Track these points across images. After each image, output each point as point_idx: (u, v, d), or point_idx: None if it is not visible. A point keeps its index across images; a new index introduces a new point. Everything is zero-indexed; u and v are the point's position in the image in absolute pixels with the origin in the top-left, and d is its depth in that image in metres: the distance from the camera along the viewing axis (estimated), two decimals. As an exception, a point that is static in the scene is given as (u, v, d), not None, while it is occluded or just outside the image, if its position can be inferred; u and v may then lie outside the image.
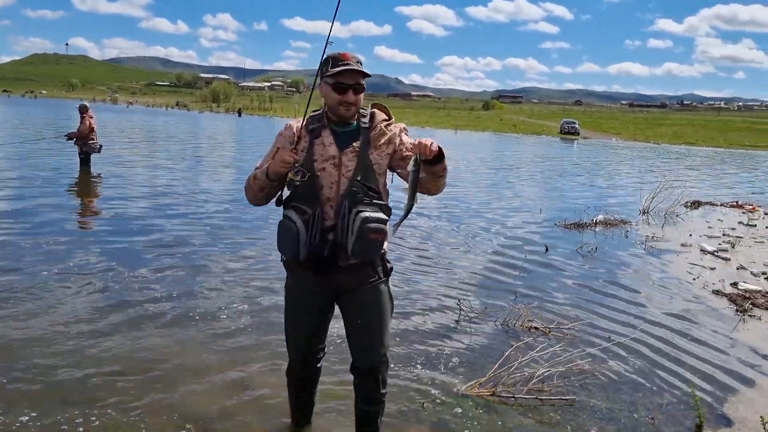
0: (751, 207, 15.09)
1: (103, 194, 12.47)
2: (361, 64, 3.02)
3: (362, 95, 3.06)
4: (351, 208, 2.95)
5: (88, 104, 15.66)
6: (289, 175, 2.90)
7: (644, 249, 9.79)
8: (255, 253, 7.98)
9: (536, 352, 4.91)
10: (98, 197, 12.31)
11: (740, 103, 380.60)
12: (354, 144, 3.03)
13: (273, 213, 10.50)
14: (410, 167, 2.84)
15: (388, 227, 3.03)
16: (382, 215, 3.00)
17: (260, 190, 3.08)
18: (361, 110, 3.14)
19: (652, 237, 10.76)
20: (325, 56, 3.06)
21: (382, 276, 3.20)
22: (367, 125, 3.11)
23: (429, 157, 2.79)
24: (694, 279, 7.95)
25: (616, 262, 8.72)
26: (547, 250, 9.15)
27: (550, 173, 23.54)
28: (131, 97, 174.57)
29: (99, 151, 15.73)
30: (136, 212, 10.37)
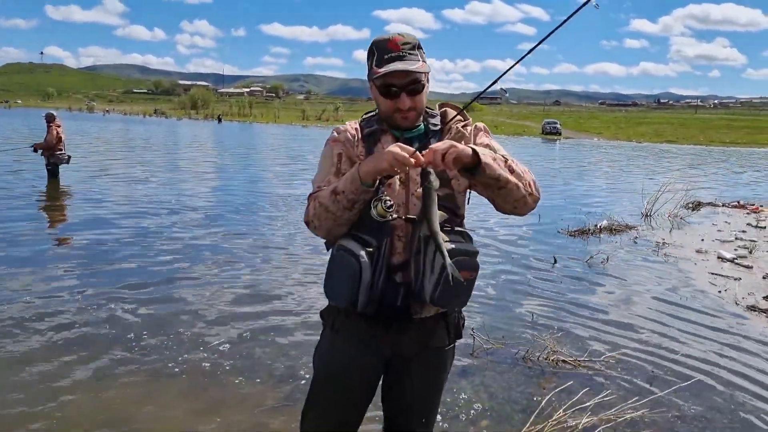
0: (754, 207, 14.52)
1: (72, 214, 11.36)
2: (418, 49, 2.20)
3: (425, 93, 2.26)
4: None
5: (55, 113, 14.69)
6: (378, 207, 2.11)
7: (658, 257, 9.09)
8: (245, 282, 7.13)
9: (571, 393, 4.15)
10: (65, 219, 11.28)
11: (716, 101, 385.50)
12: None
13: (260, 238, 9.73)
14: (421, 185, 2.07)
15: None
16: (469, 246, 2.20)
17: (346, 209, 2.14)
18: (428, 109, 2.38)
19: (663, 243, 10.08)
20: (371, 43, 2.25)
21: (453, 338, 2.41)
22: (438, 127, 2.34)
23: (440, 168, 2.02)
24: (720, 292, 7.24)
25: (633, 275, 7.99)
26: (555, 262, 8.41)
27: (539, 175, 22.82)
28: (108, 105, 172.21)
29: (68, 162, 14.79)
30: (110, 235, 9.36)
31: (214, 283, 6.78)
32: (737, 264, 8.66)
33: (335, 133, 2.39)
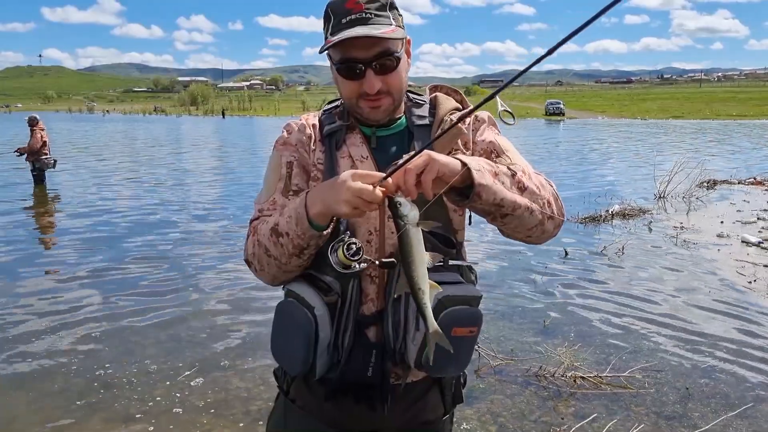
0: (772, 183, 13.81)
1: (58, 224, 10.74)
2: (390, 9, 1.55)
3: (402, 71, 1.60)
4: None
5: (38, 116, 14.08)
6: (339, 253, 1.46)
7: (677, 244, 8.41)
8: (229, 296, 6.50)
9: (594, 421, 3.52)
10: (49, 228, 10.69)
11: (720, 74, 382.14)
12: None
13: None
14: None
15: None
16: (469, 290, 1.55)
17: (293, 256, 1.52)
18: (413, 95, 1.74)
19: (681, 227, 9.41)
20: (326, 5, 1.57)
21: (450, 405, 1.76)
22: (425, 121, 1.68)
23: (414, 195, 1.32)
24: (750, 283, 6.57)
25: (652, 267, 7.31)
26: (566, 254, 7.75)
27: (543, 158, 22.14)
28: (108, 105, 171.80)
29: (54, 167, 14.25)
30: (96, 253, 8.76)
31: (197, 301, 6.15)
32: (764, 249, 7.98)
33: (285, 133, 1.74)
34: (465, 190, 1.40)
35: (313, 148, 1.68)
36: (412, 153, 1.34)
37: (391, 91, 1.57)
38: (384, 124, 1.65)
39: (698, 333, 5.21)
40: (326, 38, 1.55)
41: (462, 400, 1.79)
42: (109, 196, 13.21)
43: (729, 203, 11.67)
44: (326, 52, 1.59)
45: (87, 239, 8.77)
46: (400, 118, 1.69)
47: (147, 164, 20.63)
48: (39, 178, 14.05)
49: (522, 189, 1.48)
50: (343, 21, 1.50)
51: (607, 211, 10.44)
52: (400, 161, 1.32)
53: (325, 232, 1.47)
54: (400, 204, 1.31)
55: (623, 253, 7.80)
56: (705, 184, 13.68)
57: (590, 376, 4.27)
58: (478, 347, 4.61)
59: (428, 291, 1.37)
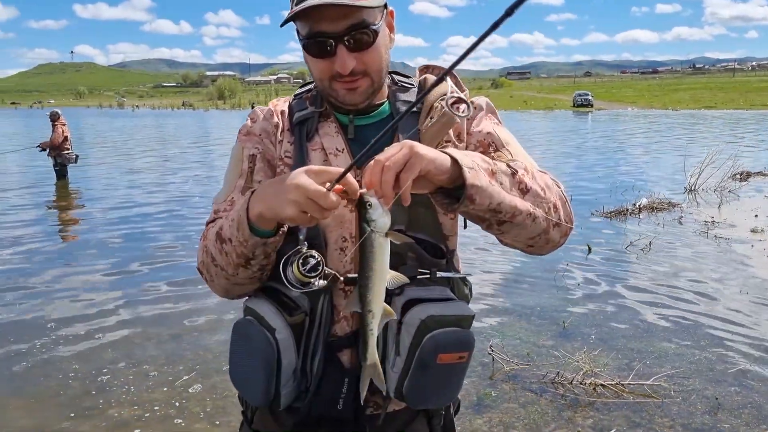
0: (809, 175, 13.24)
1: (76, 221, 10.71)
2: None
3: (382, 47, 1.35)
4: (391, 297, 1.29)
5: (59, 111, 14.10)
6: (294, 269, 1.24)
7: (708, 240, 8.03)
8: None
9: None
10: (69, 225, 10.65)
11: (754, 63, 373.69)
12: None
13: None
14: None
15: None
16: (459, 308, 1.31)
17: (239, 266, 1.29)
18: (399, 78, 1.52)
19: (712, 222, 9.00)
20: None
21: None
22: (411, 108, 1.40)
23: (390, 198, 1.06)
24: (787, 281, 6.20)
25: (681, 264, 6.96)
26: (590, 251, 7.42)
27: (570, 150, 21.67)
28: (138, 101, 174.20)
29: (75, 162, 14.30)
30: (108, 252, 8.68)
31: (203, 302, 5.98)
32: (801, 244, 7.57)
33: (249, 121, 1.51)
34: (455, 191, 1.15)
35: (281, 138, 1.45)
36: (395, 145, 1.10)
37: (368, 71, 1.33)
38: (363, 110, 1.42)
39: (730, 337, 4.87)
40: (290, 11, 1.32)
41: (453, 429, 1.53)
42: (130, 192, 13.17)
43: (764, 196, 11.19)
44: (296, 30, 1.37)
45: (103, 237, 8.70)
46: (382, 104, 1.45)
47: (172, 159, 20.67)
48: (61, 173, 14.12)
49: (524, 191, 1.24)
50: None
51: (635, 204, 10.05)
52: (380, 156, 1.08)
53: (270, 240, 1.23)
54: (369, 205, 1.07)
55: (650, 249, 7.45)
56: (738, 176, 13.16)
57: (611, 384, 3.98)
58: (491, 351, 4.35)
59: (379, 315, 1.15)
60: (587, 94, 74.26)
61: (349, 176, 1.08)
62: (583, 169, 16.08)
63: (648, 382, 3.99)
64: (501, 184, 1.19)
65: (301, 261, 1.23)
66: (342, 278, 1.31)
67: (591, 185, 12.98)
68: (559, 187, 1.34)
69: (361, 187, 1.10)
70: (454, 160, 1.12)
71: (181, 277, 6.53)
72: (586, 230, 8.56)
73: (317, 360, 1.33)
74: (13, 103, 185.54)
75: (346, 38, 1.27)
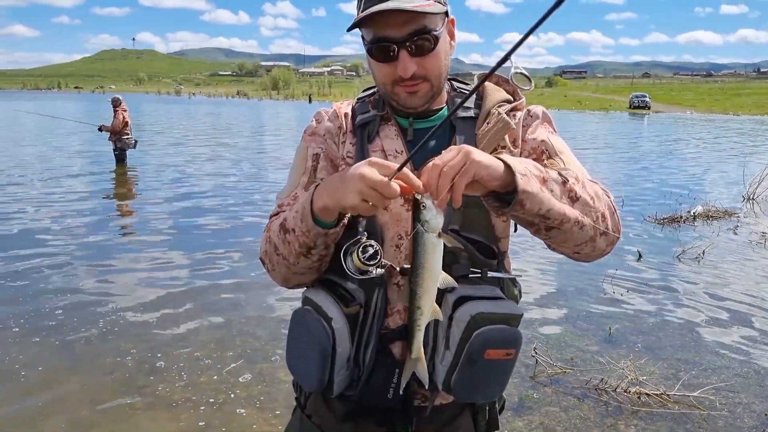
0: None
1: (133, 204, 11.10)
2: None
3: (442, 53, 1.41)
4: (443, 294, 1.34)
5: (120, 97, 14.59)
6: (354, 258, 1.31)
7: (765, 251, 7.80)
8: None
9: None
10: (127, 209, 11.02)
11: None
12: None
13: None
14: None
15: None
16: (508, 307, 1.35)
17: (300, 255, 1.37)
18: (457, 84, 1.58)
19: (770, 233, 8.73)
20: None
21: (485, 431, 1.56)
22: (470, 113, 1.48)
23: (444, 200, 1.12)
24: None
25: (735, 275, 6.79)
26: (640, 257, 7.31)
27: (624, 154, 21.23)
28: (195, 89, 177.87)
29: (134, 147, 14.75)
30: (165, 235, 8.95)
31: (255, 290, 6.14)
32: None
33: (313, 122, 1.59)
34: (506, 195, 1.20)
35: (343, 139, 1.53)
36: (451, 148, 1.16)
37: (428, 76, 1.39)
38: (423, 114, 1.48)
39: (782, 352, 4.76)
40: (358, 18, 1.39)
41: (498, 427, 1.58)
42: (186, 178, 13.53)
43: (827, 209, 10.78)
44: (361, 36, 1.44)
45: (157, 223, 8.98)
46: (441, 108, 1.51)
47: (228, 147, 21.09)
48: (120, 158, 14.60)
49: (574, 199, 1.27)
50: None
51: (689, 211, 9.82)
52: (438, 160, 1.13)
53: (332, 231, 1.30)
54: (424, 206, 1.13)
55: (703, 259, 7.29)
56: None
57: (656, 394, 3.94)
58: (535, 353, 4.35)
59: (428, 313, 1.21)
60: (644, 96, 72.45)
61: (410, 172, 1.15)
62: (637, 173, 15.75)
63: (694, 394, 3.94)
64: (551, 191, 1.23)
65: (360, 249, 1.30)
66: (398, 269, 1.37)
67: (644, 190, 12.73)
68: (608, 197, 1.37)
69: None
70: (508, 166, 1.17)
71: (233, 266, 6.72)
72: (637, 236, 8.43)
73: (370, 350, 1.40)
74: (76, 87, 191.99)
75: (408, 43, 1.34)
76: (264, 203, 10.48)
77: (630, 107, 70.09)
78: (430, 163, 1.13)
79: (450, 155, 1.13)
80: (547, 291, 6.03)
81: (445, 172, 1.10)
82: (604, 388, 4.03)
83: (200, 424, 3.60)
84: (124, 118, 14.10)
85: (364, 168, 1.16)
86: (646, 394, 3.95)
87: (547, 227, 1.27)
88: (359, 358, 1.41)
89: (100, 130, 14.17)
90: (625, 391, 3.98)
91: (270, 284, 6.03)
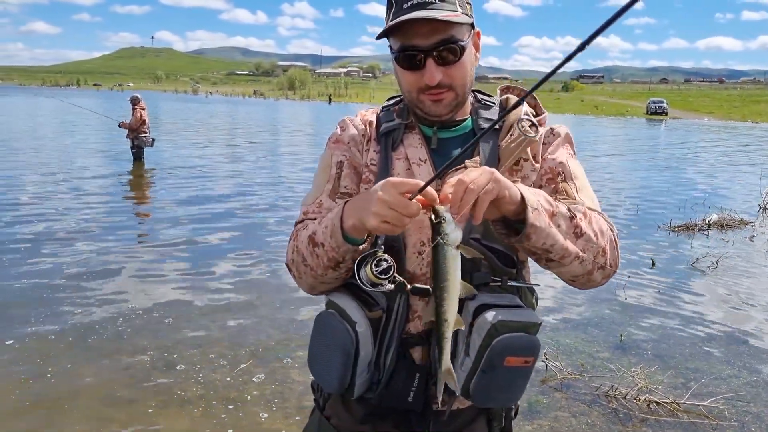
0: None
1: (150, 201, 11.27)
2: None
3: (468, 63, 1.45)
4: (463, 302, 1.37)
5: (139, 95, 14.78)
6: (367, 270, 1.34)
7: (780, 261, 7.76)
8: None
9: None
10: (143, 206, 11.15)
11: None
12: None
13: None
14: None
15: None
16: (528, 315, 1.39)
17: (329, 268, 1.41)
18: (481, 96, 1.61)
19: (786, 243, 8.68)
20: None
21: None
22: (494, 125, 1.51)
23: (464, 216, 1.17)
24: None
25: (749, 285, 6.76)
26: (653, 264, 7.29)
27: (640, 161, 21.12)
28: (212, 87, 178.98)
29: (152, 145, 14.92)
30: (182, 233, 9.05)
31: (269, 289, 6.20)
32: None
33: (338, 130, 1.63)
34: (515, 224, 1.27)
35: (367, 147, 1.57)
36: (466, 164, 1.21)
37: (453, 85, 1.43)
38: (447, 124, 1.52)
39: (794, 363, 4.75)
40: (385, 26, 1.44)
41: (510, 429, 1.62)
42: (204, 178, 13.64)
43: None
44: (388, 44, 1.48)
45: (173, 221, 9.07)
46: (465, 119, 1.54)
47: (245, 148, 21.23)
48: (137, 155, 14.78)
49: (578, 235, 1.33)
50: (405, 6, 1.38)
51: (704, 220, 9.77)
52: (464, 176, 1.17)
53: (360, 247, 1.35)
54: (444, 220, 1.17)
55: (717, 267, 7.26)
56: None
57: (666, 402, 3.95)
58: (545, 359, 4.38)
59: (453, 323, 1.25)
60: (662, 102, 71.82)
61: (429, 188, 1.20)
62: (651, 180, 15.68)
63: (704, 403, 3.95)
64: (558, 226, 1.29)
65: (374, 263, 1.34)
66: (409, 287, 1.40)
67: (658, 197, 12.68)
68: (612, 231, 1.43)
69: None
70: (522, 197, 1.23)
71: (247, 266, 6.78)
72: (651, 244, 8.41)
73: (390, 354, 1.44)
74: (95, 85, 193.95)
75: (435, 52, 1.38)
76: (281, 205, 10.57)
77: (647, 113, 69.55)
78: (455, 178, 1.17)
79: (476, 173, 1.17)
80: (558, 297, 6.05)
81: (471, 189, 1.14)
82: (614, 395, 4.05)
83: (213, 421, 3.66)
84: (141, 116, 14.28)
85: (381, 191, 1.20)
86: (656, 402, 3.96)
87: (547, 259, 1.33)
88: (380, 361, 1.45)
89: (119, 125, 14.37)
90: (634, 399, 3.99)
91: (282, 285, 6.10)
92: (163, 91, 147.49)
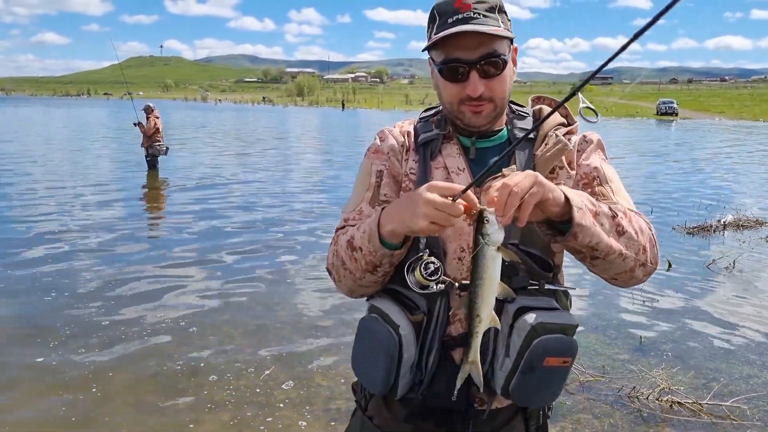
0: None
1: (165, 209, 11.42)
2: (499, 13, 1.46)
3: (507, 77, 1.51)
4: (503, 304, 1.44)
5: (152, 104, 14.96)
6: (416, 273, 1.41)
7: (797, 261, 7.75)
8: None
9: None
10: (159, 213, 11.27)
11: None
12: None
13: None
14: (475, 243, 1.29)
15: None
16: (565, 317, 1.44)
17: (367, 272, 1.48)
18: (515, 107, 1.67)
19: (802, 243, 8.66)
20: (432, 7, 1.52)
21: None
22: (528, 134, 1.55)
23: (509, 218, 1.21)
24: None
25: (765, 284, 6.77)
26: (670, 266, 7.31)
27: (651, 162, 21.08)
28: (221, 95, 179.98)
29: (166, 153, 15.11)
30: (199, 240, 9.16)
31: (290, 294, 6.28)
32: None
33: (377, 140, 1.69)
34: (559, 225, 1.32)
35: (406, 157, 1.63)
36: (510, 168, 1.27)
37: (493, 97, 1.49)
38: (484, 134, 1.57)
39: (815, 363, 4.76)
40: (429, 39, 1.50)
41: (546, 429, 1.68)
42: (219, 185, 13.77)
43: None
44: (429, 57, 1.54)
45: (189, 228, 9.19)
46: (501, 129, 1.60)
47: (261, 156, 21.35)
48: (152, 164, 14.95)
49: (620, 233, 1.39)
50: (449, 21, 1.44)
51: (719, 220, 9.77)
52: (508, 180, 1.23)
53: (397, 252, 1.42)
54: (487, 221, 1.24)
55: (734, 268, 7.27)
56: (833, 195, 12.55)
57: (688, 402, 3.98)
58: (567, 361, 4.41)
59: (486, 321, 1.32)
60: (672, 102, 71.47)
61: (470, 192, 1.26)
62: (665, 182, 15.65)
63: (727, 403, 3.98)
64: (602, 225, 1.34)
65: (423, 266, 1.41)
66: (457, 284, 1.47)
67: (673, 199, 12.66)
68: (650, 230, 1.48)
69: (480, 203, 1.27)
70: (566, 198, 1.28)
71: (266, 271, 6.87)
72: (667, 245, 8.41)
73: (432, 356, 1.50)
74: (105, 94, 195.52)
75: (479, 65, 1.44)
76: (302, 214, 10.65)
77: (657, 113, 69.27)
78: (499, 182, 1.22)
79: (520, 177, 1.22)
80: (577, 299, 6.07)
81: (515, 192, 1.19)
82: (636, 396, 4.08)
83: (240, 426, 3.72)
84: (156, 124, 14.45)
85: (427, 193, 1.27)
86: (678, 402, 3.99)
87: (593, 257, 1.38)
88: (422, 363, 1.51)
89: (134, 124, 14.54)
90: (657, 400, 4.03)
91: (303, 290, 6.17)
92: (172, 99, 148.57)
